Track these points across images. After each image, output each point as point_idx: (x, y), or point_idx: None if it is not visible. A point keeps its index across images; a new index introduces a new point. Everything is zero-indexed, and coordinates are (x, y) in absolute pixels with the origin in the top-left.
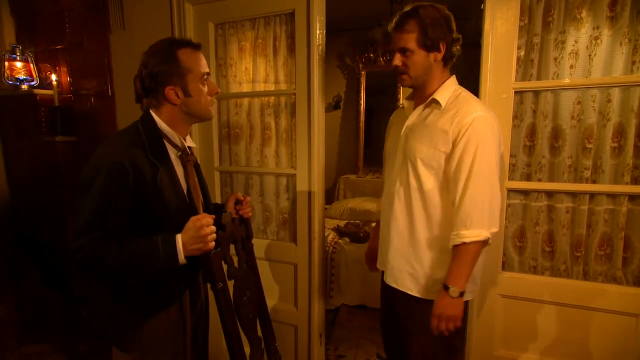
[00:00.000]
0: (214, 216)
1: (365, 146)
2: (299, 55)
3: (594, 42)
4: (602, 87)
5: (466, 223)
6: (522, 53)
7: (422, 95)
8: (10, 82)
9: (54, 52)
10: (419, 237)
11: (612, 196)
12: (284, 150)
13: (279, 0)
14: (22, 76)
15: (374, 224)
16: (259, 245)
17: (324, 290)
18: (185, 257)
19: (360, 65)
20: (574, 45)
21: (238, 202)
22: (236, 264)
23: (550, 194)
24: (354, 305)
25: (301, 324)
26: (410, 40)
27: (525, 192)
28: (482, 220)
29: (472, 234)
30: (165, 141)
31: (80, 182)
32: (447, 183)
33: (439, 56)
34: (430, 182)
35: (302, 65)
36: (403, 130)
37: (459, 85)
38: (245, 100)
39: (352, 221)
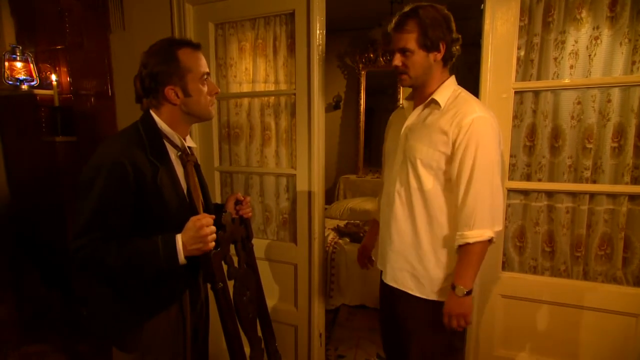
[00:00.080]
0: (214, 216)
1: (365, 146)
2: (299, 56)
3: (594, 42)
4: (602, 87)
5: (469, 224)
6: (522, 53)
7: (421, 96)
8: (10, 82)
9: (54, 52)
10: (420, 237)
11: (612, 196)
12: (284, 151)
13: (279, 0)
14: (22, 76)
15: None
16: (259, 245)
17: (324, 290)
18: (186, 257)
19: (360, 65)
20: (574, 45)
21: (238, 202)
22: (236, 264)
23: (550, 194)
24: (354, 306)
25: (301, 324)
26: (410, 40)
27: (525, 192)
28: (484, 221)
29: (475, 234)
30: (165, 141)
31: (80, 182)
32: (448, 183)
33: (439, 56)
34: (429, 182)
35: (302, 66)
36: (403, 130)
37: (459, 86)
38: (245, 101)
39: (352, 221)
